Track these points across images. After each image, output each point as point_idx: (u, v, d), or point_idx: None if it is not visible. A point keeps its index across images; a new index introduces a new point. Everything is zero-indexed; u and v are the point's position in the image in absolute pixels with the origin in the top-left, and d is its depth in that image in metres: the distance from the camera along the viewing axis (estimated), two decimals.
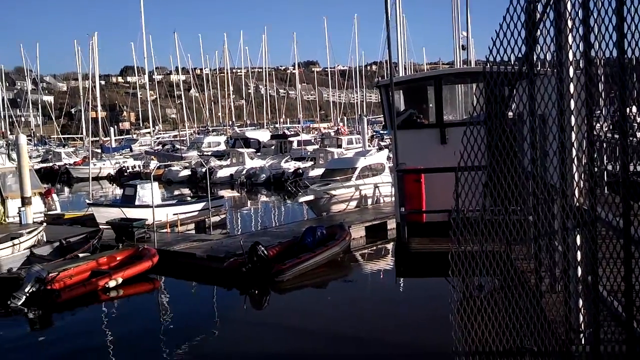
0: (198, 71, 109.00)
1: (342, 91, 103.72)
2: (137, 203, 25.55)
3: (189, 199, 29.50)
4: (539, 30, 4.12)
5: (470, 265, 3.99)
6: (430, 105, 11.39)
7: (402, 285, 16.67)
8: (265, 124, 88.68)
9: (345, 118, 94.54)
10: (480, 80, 4.05)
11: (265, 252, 17.70)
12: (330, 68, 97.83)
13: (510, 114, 4.62)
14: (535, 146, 4.73)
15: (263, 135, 63.87)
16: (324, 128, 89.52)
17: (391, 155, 27.57)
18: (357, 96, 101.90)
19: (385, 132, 65.90)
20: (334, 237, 20.00)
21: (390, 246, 22.60)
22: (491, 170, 3.97)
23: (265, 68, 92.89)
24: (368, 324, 14.34)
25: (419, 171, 9.57)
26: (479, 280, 4.19)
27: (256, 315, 16.44)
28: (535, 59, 4.19)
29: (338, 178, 27.18)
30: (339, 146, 49.35)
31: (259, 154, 52.93)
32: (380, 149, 39.80)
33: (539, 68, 4.24)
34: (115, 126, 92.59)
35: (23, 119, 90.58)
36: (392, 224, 23.10)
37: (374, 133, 67.14)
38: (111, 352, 13.19)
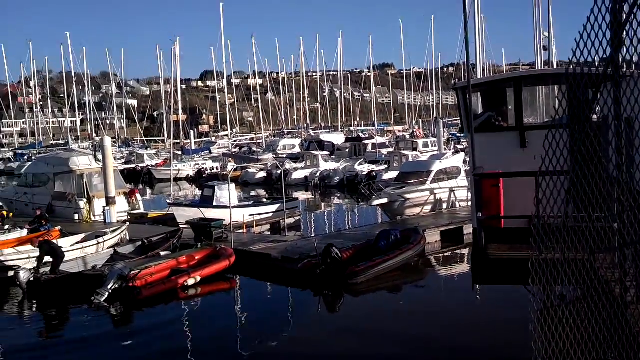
0: (274, 75, 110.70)
1: (418, 93, 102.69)
2: (215, 204, 26.17)
3: (264, 200, 30.00)
4: (625, 31, 3.96)
5: (552, 273, 3.87)
6: (510, 107, 11.11)
7: (478, 292, 16.33)
8: (339, 126, 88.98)
9: (420, 121, 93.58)
10: (563, 83, 3.93)
11: (339, 254, 17.74)
12: (405, 70, 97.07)
13: (595, 117, 4.46)
14: (621, 151, 4.54)
15: (337, 138, 64.13)
16: (399, 131, 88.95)
17: (468, 159, 27.20)
18: (432, 98, 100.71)
19: (461, 135, 64.91)
20: (408, 240, 19.81)
21: (466, 252, 22.18)
22: (574, 176, 3.84)
23: (340, 71, 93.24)
24: (441, 329, 14.12)
25: (498, 175, 9.35)
26: (560, 290, 4.06)
27: (329, 317, 16.50)
28: (621, 61, 4.02)
29: (413, 181, 26.93)
30: (414, 149, 48.95)
31: (333, 156, 53.19)
32: (456, 152, 39.19)
33: (625, 70, 4.07)
34: (195, 129, 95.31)
35: (108, 121, 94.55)
36: (468, 229, 22.63)
37: (450, 136, 66.19)
38: (188, 350, 13.54)
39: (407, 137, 69.36)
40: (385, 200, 25.95)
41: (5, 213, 26.85)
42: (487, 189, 9.13)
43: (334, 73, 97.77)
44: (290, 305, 17.23)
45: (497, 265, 8.67)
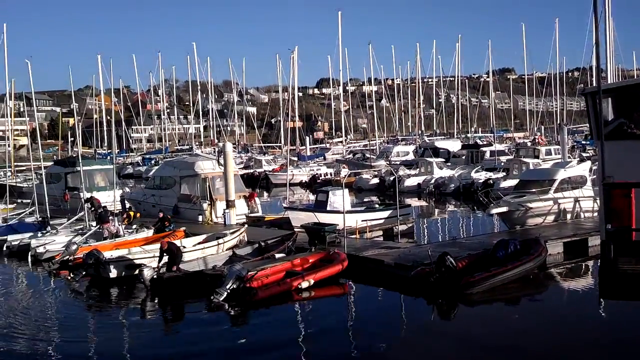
0: (389, 81, 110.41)
1: (540, 99, 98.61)
2: (328, 208, 26.42)
3: (376, 206, 29.94)
4: None
5: None
6: None
7: (604, 307, 15.35)
8: (455, 133, 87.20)
9: (542, 127, 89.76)
10: None
11: (454, 263, 17.32)
12: (527, 75, 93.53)
13: None
14: None
15: (453, 145, 62.85)
16: (519, 138, 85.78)
17: (594, 168, 25.70)
18: (556, 104, 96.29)
19: (588, 142, 61.54)
20: (528, 251, 18.98)
21: (591, 264, 20.97)
22: None
23: (458, 76, 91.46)
24: (562, 347, 13.39)
25: (630, 185, 8.73)
26: None
27: (442, 326, 16.13)
28: None
29: (533, 190, 25.82)
30: (536, 157, 46.97)
31: (448, 163, 52.15)
32: (581, 160, 37.16)
33: None
34: (311, 135, 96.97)
35: (229, 128, 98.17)
36: (594, 241, 21.41)
37: (575, 143, 62.94)
38: (301, 352, 13.71)
39: (528, 144, 66.73)
40: (504, 209, 25.05)
41: (132, 214, 28.49)
42: (618, 199, 8.56)
43: (451, 79, 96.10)
44: (402, 312, 17.04)
45: (627, 280, 8.11)
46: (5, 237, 26.53)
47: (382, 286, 19.14)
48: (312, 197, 44.12)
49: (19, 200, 36.98)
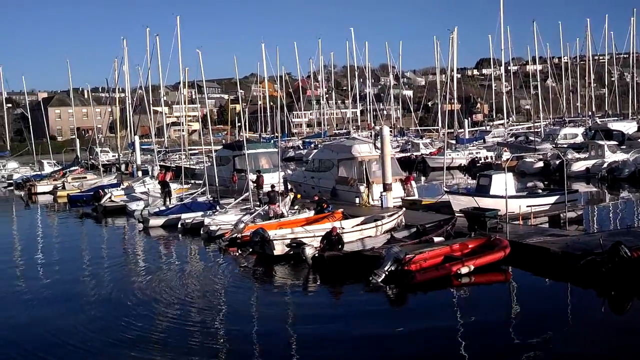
0: (556, 60, 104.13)
1: None
2: (491, 193, 25.58)
3: (539, 191, 28.49)
4: None
5: None
6: None
7: None
8: (630, 114, 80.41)
9: None
10: None
11: (629, 252, 16.04)
12: None
13: None
14: None
15: (628, 126, 58.09)
16: None
17: None
18: None
19: None
20: None
21: None
22: None
23: (633, 53, 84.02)
24: None
25: None
26: None
27: (615, 320, 14.99)
28: None
29: None
30: None
31: (622, 147, 48.30)
32: None
33: None
34: (469, 118, 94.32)
35: (385, 112, 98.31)
36: None
37: None
38: (458, 337, 13.47)
39: None
40: None
41: (292, 194, 29.58)
42: None
43: (625, 56, 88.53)
44: (569, 304, 16.11)
45: None
46: (180, 215, 28.81)
47: (547, 276, 18.22)
48: (470, 181, 43.10)
49: (192, 181, 39.90)
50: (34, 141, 70.03)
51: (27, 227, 35.42)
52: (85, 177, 50.92)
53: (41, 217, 39.64)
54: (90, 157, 66.24)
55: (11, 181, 59.34)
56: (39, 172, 59.71)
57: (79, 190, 44.09)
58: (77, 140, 73.21)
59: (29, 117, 76.66)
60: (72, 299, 17.68)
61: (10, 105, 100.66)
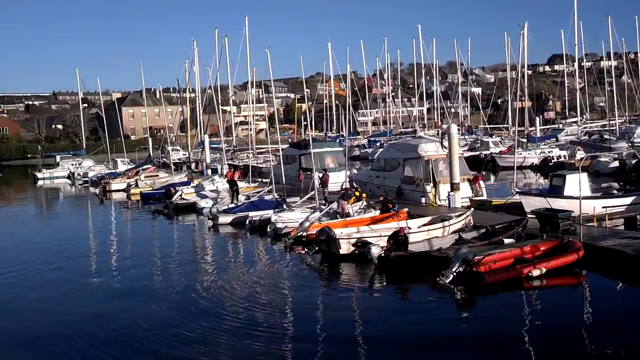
0: (632, 55, 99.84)
1: None
2: (564, 194, 24.77)
3: (615, 192, 27.39)
4: None
5: None
6: None
7: None
8: None
9: None
10: None
11: None
12: None
13: None
14: None
15: None
16: None
17: None
18: None
19: None
20: None
21: None
22: None
23: None
24: None
25: None
26: None
27: None
28: None
29: None
30: None
31: None
32: None
33: None
34: (541, 116, 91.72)
35: (453, 109, 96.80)
36: None
37: None
38: (527, 343, 13.09)
39: None
40: None
41: (358, 194, 29.50)
42: None
43: None
44: None
45: None
46: (248, 213, 29.26)
47: (623, 280, 17.50)
48: (542, 181, 41.91)
49: (259, 180, 40.43)
50: (108, 140, 72.64)
51: (101, 223, 36.77)
52: (157, 175, 52.46)
53: (115, 214, 41.08)
54: (162, 155, 68.13)
55: (87, 179, 61.80)
56: (113, 170, 61.91)
57: (151, 188, 45.43)
58: (150, 139, 75.45)
59: (104, 116, 79.53)
60: (141, 293, 18.23)
61: (86, 105, 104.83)
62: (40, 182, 68.10)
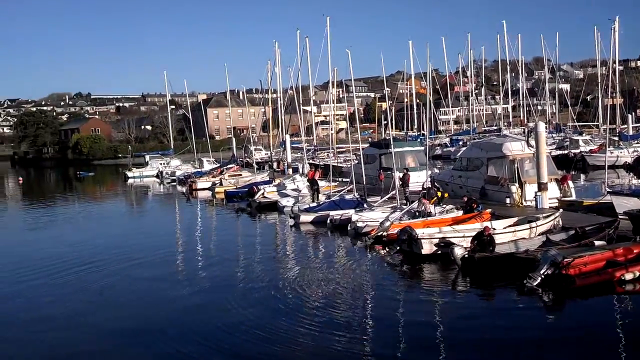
0: None
1: None
2: None
3: None
4: None
5: None
6: None
7: None
8: None
9: None
10: None
11: None
12: None
13: None
14: None
15: None
16: None
17: None
18: None
19: None
20: None
21: None
22: None
23: None
24: None
25: None
26: None
27: None
28: None
29: None
30: None
31: None
32: None
33: None
34: (633, 113, 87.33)
35: (539, 107, 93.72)
36: None
37: None
38: (619, 349, 12.47)
39: None
40: None
41: (440, 194, 29.02)
42: None
43: None
44: None
45: None
46: (329, 212, 29.40)
47: None
48: (635, 181, 39.86)
49: (340, 179, 40.54)
50: (194, 140, 74.80)
51: (187, 221, 37.91)
52: (241, 175, 53.63)
53: (200, 212, 42.32)
54: (245, 155, 69.52)
55: (174, 177, 63.96)
56: (199, 169, 63.74)
57: (235, 187, 46.51)
58: (233, 139, 77.19)
59: (190, 117, 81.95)
60: (224, 289, 18.55)
61: (173, 106, 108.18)
62: (130, 181, 71.04)
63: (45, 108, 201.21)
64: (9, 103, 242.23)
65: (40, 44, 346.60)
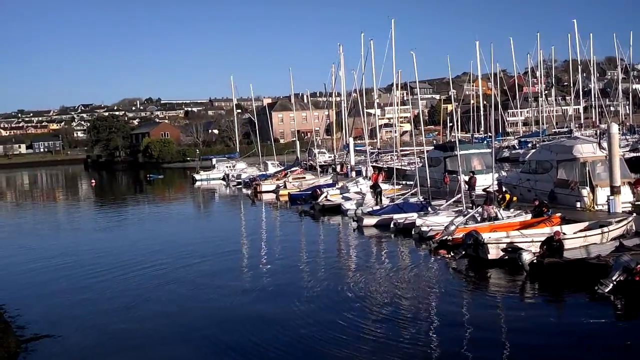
0: None
1: None
2: None
3: None
4: None
5: None
6: None
7: None
8: None
9: None
10: None
11: None
12: None
13: None
14: None
15: None
16: None
17: None
18: None
19: None
20: None
21: None
22: None
23: None
24: None
25: None
26: None
27: None
28: None
29: None
30: None
31: None
32: None
33: None
34: None
35: (612, 108, 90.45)
36: None
37: None
38: None
39: None
40: None
41: (508, 197, 28.38)
42: None
43: None
44: None
45: None
46: (392, 215, 29.22)
47: None
48: None
49: (404, 182, 40.22)
50: (259, 143, 75.84)
51: (252, 223, 38.44)
52: (304, 177, 53.99)
53: (265, 214, 42.84)
54: (309, 158, 69.98)
55: (240, 180, 65.02)
56: (263, 172, 64.56)
57: (299, 190, 46.86)
58: (297, 142, 77.75)
59: (255, 121, 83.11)
60: (286, 292, 18.68)
61: (239, 110, 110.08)
62: (198, 184, 72.65)
63: (117, 113, 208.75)
64: (82, 108, 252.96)
65: (112, 51, 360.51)
